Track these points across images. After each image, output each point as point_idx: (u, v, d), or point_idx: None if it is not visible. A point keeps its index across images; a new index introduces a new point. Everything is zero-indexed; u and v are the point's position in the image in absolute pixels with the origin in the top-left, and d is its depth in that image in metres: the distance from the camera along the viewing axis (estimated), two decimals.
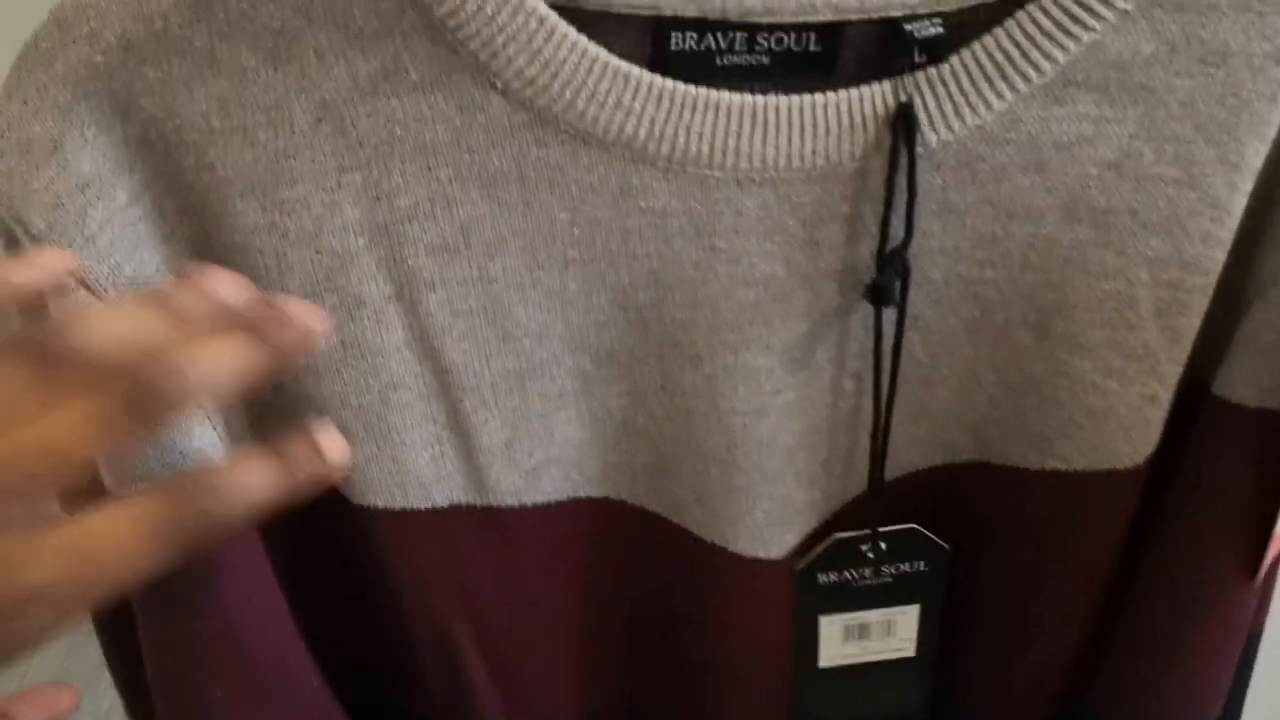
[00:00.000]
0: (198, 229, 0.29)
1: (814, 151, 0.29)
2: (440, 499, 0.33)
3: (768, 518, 0.36)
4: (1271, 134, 0.30)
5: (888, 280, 0.31)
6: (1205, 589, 0.36)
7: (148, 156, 0.28)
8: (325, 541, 0.34)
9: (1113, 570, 0.37)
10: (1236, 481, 0.34)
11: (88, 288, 0.27)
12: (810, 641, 0.39)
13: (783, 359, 0.33)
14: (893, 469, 0.37)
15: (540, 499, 0.35)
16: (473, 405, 0.32)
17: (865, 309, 0.32)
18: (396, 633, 0.35)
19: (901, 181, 0.30)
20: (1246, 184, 0.31)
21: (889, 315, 0.32)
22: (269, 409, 0.32)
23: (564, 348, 0.32)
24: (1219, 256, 0.32)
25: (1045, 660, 0.39)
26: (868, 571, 0.39)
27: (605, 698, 0.41)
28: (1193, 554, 0.36)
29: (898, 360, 0.33)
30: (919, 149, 0.29)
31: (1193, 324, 0.33)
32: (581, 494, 0.36)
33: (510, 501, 0.34)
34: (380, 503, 0.32)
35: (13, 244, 0.27)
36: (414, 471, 0.32)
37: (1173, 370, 0.33)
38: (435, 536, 0.34)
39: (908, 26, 0.28)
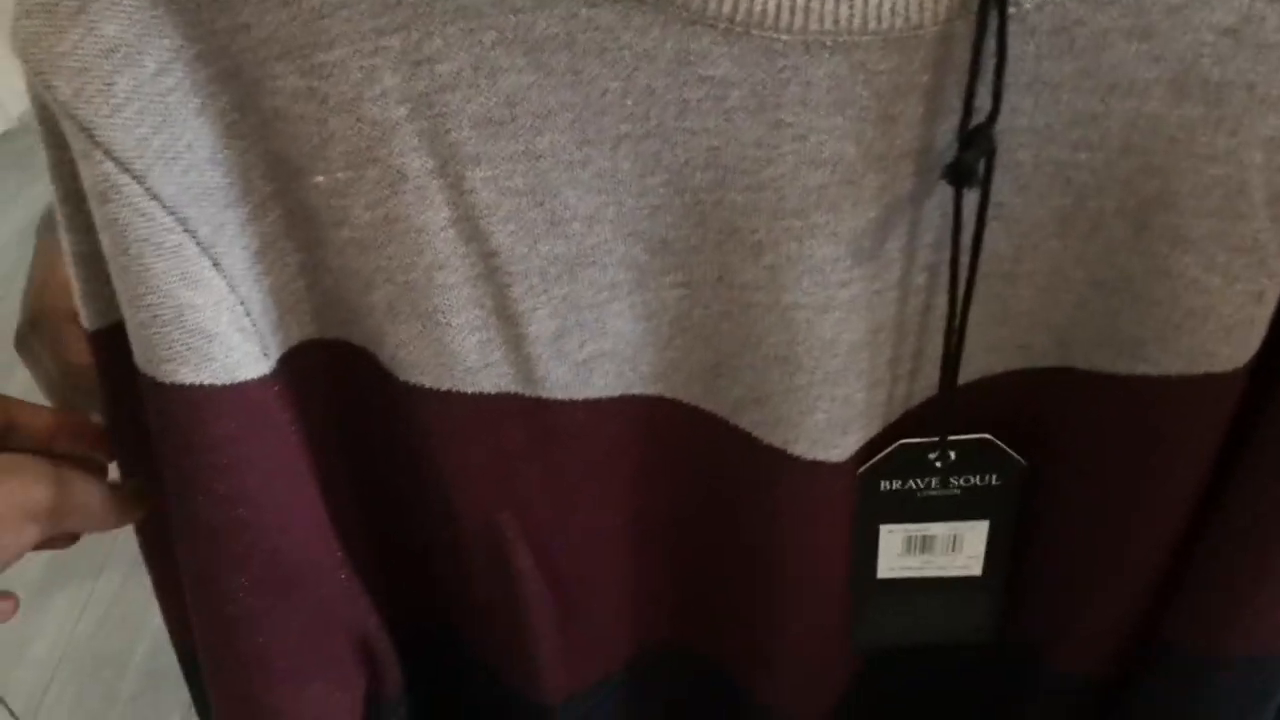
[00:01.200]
0: (232, 99, 0.27)
1: (892, 11, 0.26)
2: (488, 385, 0.32)
3: (829, 419, 0.34)
4: None
5: (971, 159, 0.28)
6: None
7: (178, 21, 0.26)
8: (374, 420, 0.33)
9: (1204, 488, 0.34)
10: None
11: (114, 159, 0.26)
12: (869, 551, 0.38)
13: (851, 248, 0.31)
14: (966, 373, 0.35)
15: (591, 393, 0.33)
16: (520, 292, 0.31)
17: (944, 194, 0.30)
18: (443, 522, 0.35)
19: (990, 47, 0.27)
20: None
21: (970, 201, 0.30)
22: (314, 277, 0.31)
23: (616, 234, 0.30)
24: None
25: (1127, 588, 0.37)
26: (934, 481, 0.37)
27: (655, 601, 0.40)
28: None
29: (978, 251, 0.31)
30: (1011, 9, 0.26)
31: None
32: (635, 391, 0.34)
33: (560, 395, 0.33)
34: (427, 381, 0.31)
35: (47, 107, 0.27)
36: (460, 355, 0.31)
37: None
38: (482, 422, 0.33)
39: None
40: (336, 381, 0.33)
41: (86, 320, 0.32)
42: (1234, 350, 0.31)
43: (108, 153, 0.26)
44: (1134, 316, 0.32)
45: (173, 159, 0.27)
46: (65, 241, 0.30)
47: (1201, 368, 0.32)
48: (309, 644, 0.33)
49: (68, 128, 0.26)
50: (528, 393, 0.33)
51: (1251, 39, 0.27)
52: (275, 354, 0.31)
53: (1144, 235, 0.31)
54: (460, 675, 0.41)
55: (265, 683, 0.33)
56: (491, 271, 0.30)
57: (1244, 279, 0.30)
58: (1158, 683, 0.38)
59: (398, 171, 0.28)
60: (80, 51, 0.25)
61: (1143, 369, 0.33)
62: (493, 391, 0.32)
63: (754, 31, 0.27)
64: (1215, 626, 0.36)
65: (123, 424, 0.33)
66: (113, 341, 0.31)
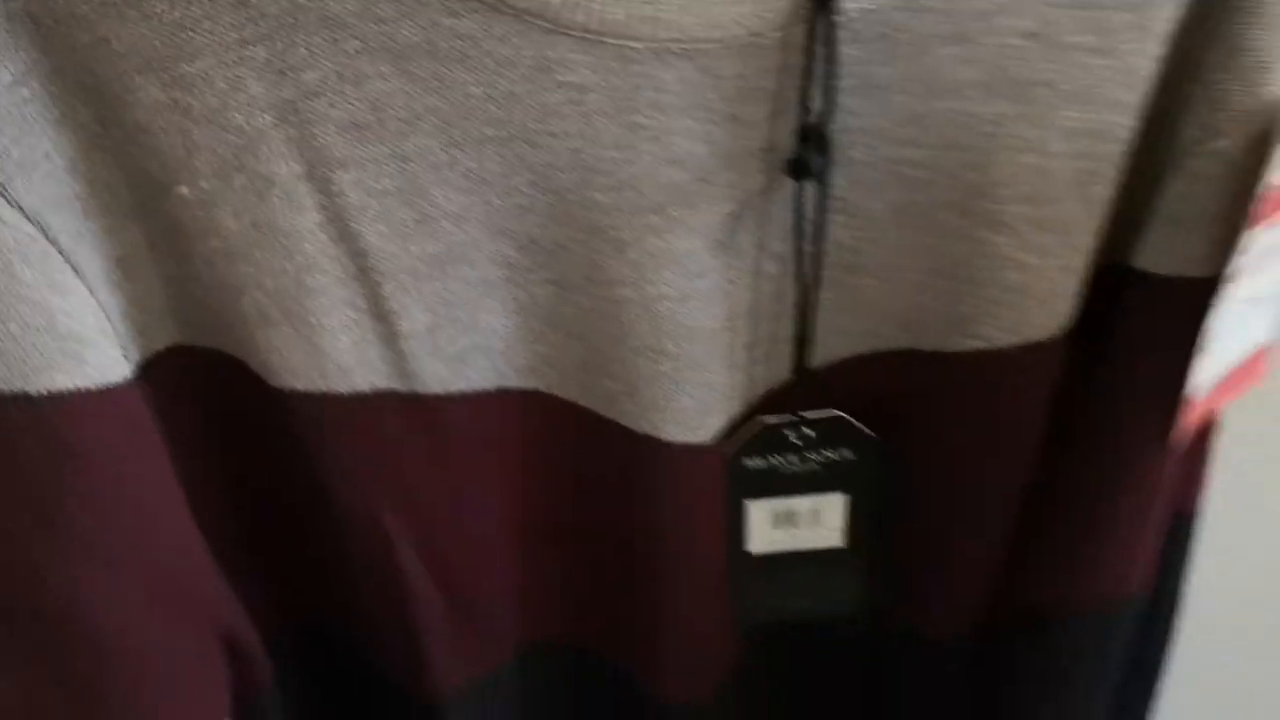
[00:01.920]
0: (95, 112, 0.27)
1: (734, 20, 0.29)
2: (363, 384, 0.33)
3: (695, 403, 0.36)
4: None
5: (808, 155, 0.31)
6: (1124, 457, 0.37)
7: (33, 34, 0.26)
8: (250, 425, 0.33)
9: (1039, 451, 0.38)
10: (1151, 349, 0.35)
11: None
12: (740, 527, 0.40)
13: (706, 241, 0.33)
14: (819, 357, 0.37)
15: (466, 386, 0.34)
16: (392, 290, 0.31)
17: (788, 189, 0.32)
18: (326, 525, 0.35)
19: (821, 52, 0.29)
20: (1159, 50, 0.31)
21: (813, 197, 0.32)
22: (181, 285, 0.31)
23: (485, 232, 0.32)
24: (1131, 124, 0.32)
25: (981, 552, 0.40)
26: (794, 458, 0.39)
27: (540, 597, 0.41)
28: (1112, 423, 0.37)
29: (821, 240, 0.33)
30: (838, 18, 0.29)
31: (1106, 193, 0.33)
32: (509, 384, 0.35)
33: (436, 388, 0.34)
34: (300, 385, 0.32)
35: None
36: (333, 355, 0.32)
37: (1087, 241, 0.34)
38: (359, 422, 0.33)
39: None
40: (208, 388, 0.33)
41: None
42: (1051, 319, 0.35)
43: None
44: (965, 297, 0.35)
45: (31, 168, 0.27)
46: None
47: (1024, 337, 0.35)
48: (169, 641, 0.33)
49: None
50: (403, 388, 0.34)
51: (1049, 41, 0.31)
52: (135, 359, 0.31)
53: (968, 222, 0.34)
54: (348, 675, 0.41)
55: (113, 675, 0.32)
56: (363, 271, 0.31)
57: (1055, 255, 0.34)
58: (1017, 640, 0.42)
59: (265, 178, 0.29)
60: None
61: (975, 344, 0.36)
62: (368, 390, 0.33)
63: (608, 40, 0.28)
64: (1064, 581, 0.40)
65: None
66: None
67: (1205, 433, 0.41)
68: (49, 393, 0.28)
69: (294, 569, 0.38)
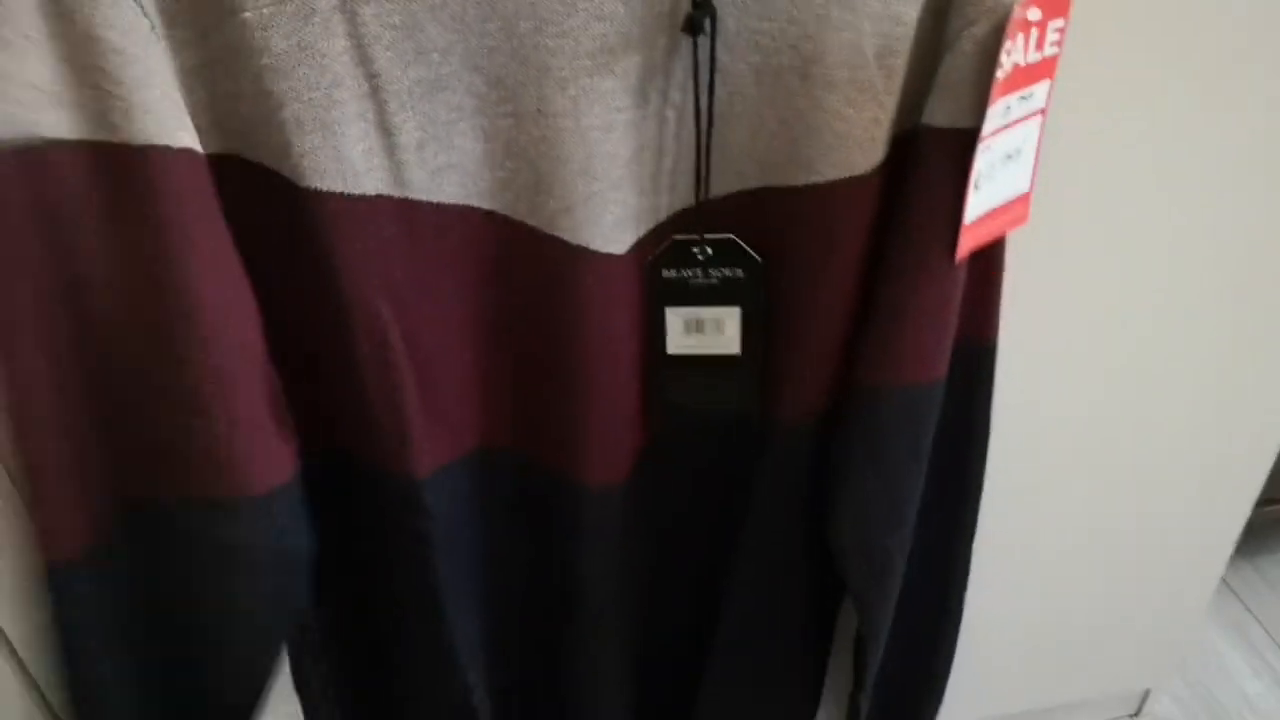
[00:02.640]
0: None
1: None
2: (369, 187, 0.44)
3: (615, 219, 0.48)
4: None
5: (699, 16, 0.43)
6: (921, 267, 0.50)
7: None
8: (277, 227, 0.44)
9: (864, 264, 0.51)
10: (936, 184, 0.49)
11: None
12: (659, 330, 0.52)
13: (624, 83, 0.45)
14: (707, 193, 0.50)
15: (443, 199, 0.46)
16: (394, 107, 0.43)
17: (685, 48, 0.45)
18: (335, 312, 0.45)
19: None
20: None
21: (704, 55, 0.45)
22: (233, 103, 0.41)
23: (463, 66, 0.43)
24: (913, 13, 0.46)
25: (827, 348, 0.53)
26: (699, 272, 0.51)
27: (496, 392, 0.52)
28: (913, 243, 0.50)
29: (712, 90, 0.46)
30: None
31: (899, 64, 0.47)
32: (474, 203, 0.47)
33: (420, 196, 0.45)
34: (323, 185, 0.42)
35: None
36: (350, 160, 0.43)
37: (889, 101, 0.47)
38: (366, 219, 0.44)
39: None
40: (247, 191, 0.43)
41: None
42: (867, 159, 0.48)
43: None
44: (804, 143, 0.48)
45: None
46: None
47: (847, 173, 0.48)
48: (254, 382, 0.43)
49: None
50: (397, 194, 0.44)
51: None
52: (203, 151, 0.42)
53: (806, 83, 0.47)
54: (338, 468, 0.51)
55: (231, 398, 0.42)
56: (374, 90, 0.42)
57: (866, 109, 0.47)
58: (850, 414, 0.54)
59: (308, 7, 0.40)
60: None
61: (813, 179, 0.49)
62: (373, 193, 0.44)
63: None
64: (884, 365, 0.52)
65: None
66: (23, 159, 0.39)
67: (991, 273, 0.54)
68: (156, 145, 0.38)
69: (302, 371, 0.48)
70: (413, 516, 0.50)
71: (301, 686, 0.58)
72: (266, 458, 0.45)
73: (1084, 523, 0.82)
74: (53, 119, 0.38)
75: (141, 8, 0.37)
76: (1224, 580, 1.30)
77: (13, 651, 0.48)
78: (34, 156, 0.37)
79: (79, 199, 0.39)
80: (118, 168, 0.38)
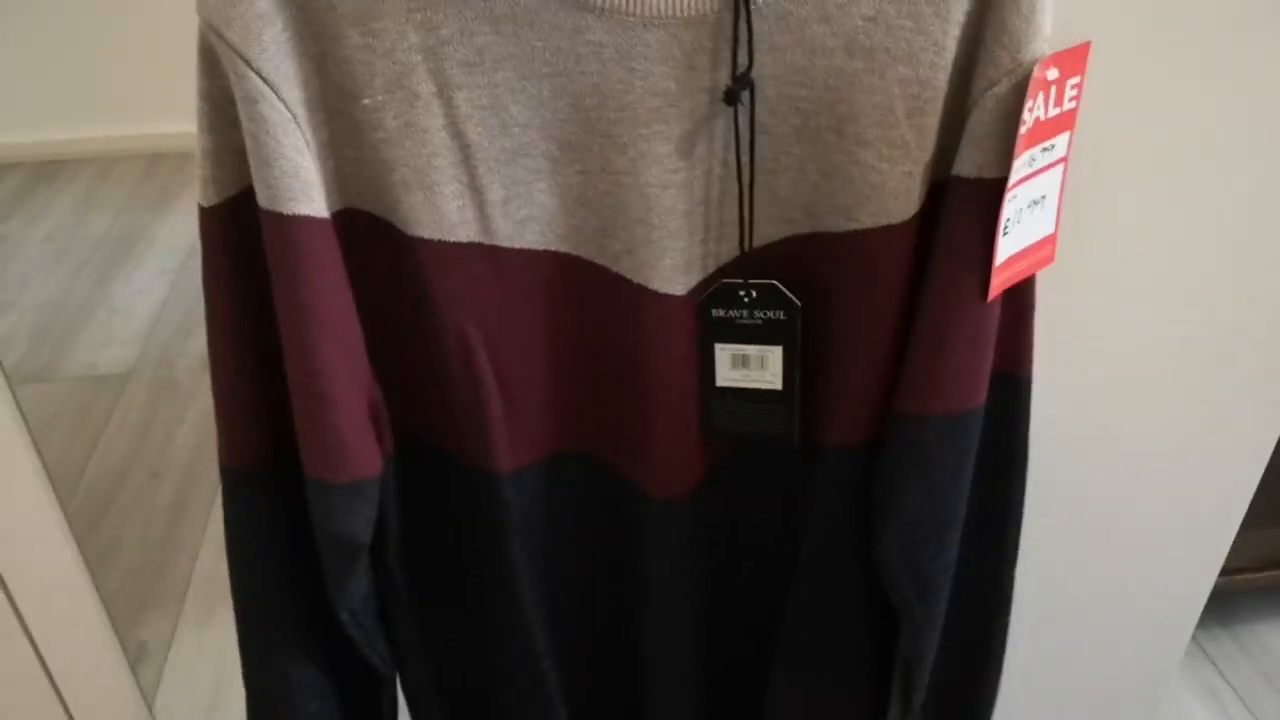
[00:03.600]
0: (319, 48, 0.48)
1: (687, 5, 0.49)
2: (462, 236, 0.52)
3: (673, 264, 0.55)
4: None
5: (737, 89, 0.50)
6: (957, 306, 0.54)
7: (295, 1, 0.47)
8: (388, 265, 0.53)
9: (906, 301, 0.56)
10: (967, 230, 0.54)
11: (261, 77, 0.46)
12: (709, 364, 0.58)
13: (677, 147, 0.52)
14: (755, 239, 0.56)
15: (525, 244, 0.54)
16: (483, 171, 0.51)
17: (728, 114, 0.52)
18: (431, 336, 0.54)
19: (742, 25, 0.49)
20: (955, 30, 0.51)
21: (744, 120, 0.52)
22: (354, 167, 0.51)
23: (540, 136, 0.51)
24: (942, 78, 0.51)
25: (869, 379, 0.58)
26: (744, 313, 0.58)
27: (567, 409, 0.59)
28: (948, 284, 0.54)
29: (753, 150, 0.53)
30: (752, 5, 0.49)
31: (931, 123, 0.52)
32: (553, 247, 0.55)
33: (505, 243, 0.53)
34: (424, 234, 0.51)
35: (213, 49, 0.46)
36: (446, 214, 0.51)
37: (921, 156, 0.53)
38: (458, 262, 0.52)
39: None
40: (365, 237, 0.53)
41: (209, 198, 0.51)
42: (901, 208, 0.54)
43: (258, 73, 0.46)
44: (844, 193, 0.54)
45: (287, 78, 0.47)
46: (201, 141, 0.50)
47: (884, 221, 0.54)
48: (354, 387, 0.52)
49: (228, 59, 0.46)
50: (486, 241, 0.53)
51: (883, 23, 0.50)
52: (331, 210, 0.51)
53: (843, 140, 0.53)
54: (431, 462, 0.59)
55: (330, 407, 0.51)
56: (466, 158, 0.51)
57: (900, 164, 0.53)
58: (893, 439, 0.59)
59: (414, 93, 0.49)
60: (244, 16, 0.45)
61: (854, 226, 0.55)
62: (465, 241, 0.53)
63: (615, 15, 0.49)
64: (922, 395, 0.57)
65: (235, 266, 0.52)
66: (232, 207, 0.50)
67: (1023, 309, 0.59)
68: (294, 214, 0.48)
69: (405, 385, 0.57)
70: (492, 505, 0.59)
71: (392, 641, 0.67)
72: (359, 454, 0.54)
73: (1054, 586, 0.84)
74: (258, 191, 0.49)
75: (285, 103, 0.47)
76: (1199, 645, 1.34)
77: None
78: (260, 216, 0.49)
79: (265, 244, 0.50)
80: (275, 227, 0.48)
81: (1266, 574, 1.21)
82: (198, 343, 2.08)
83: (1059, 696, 0.95)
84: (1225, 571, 1.06)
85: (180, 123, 2.98)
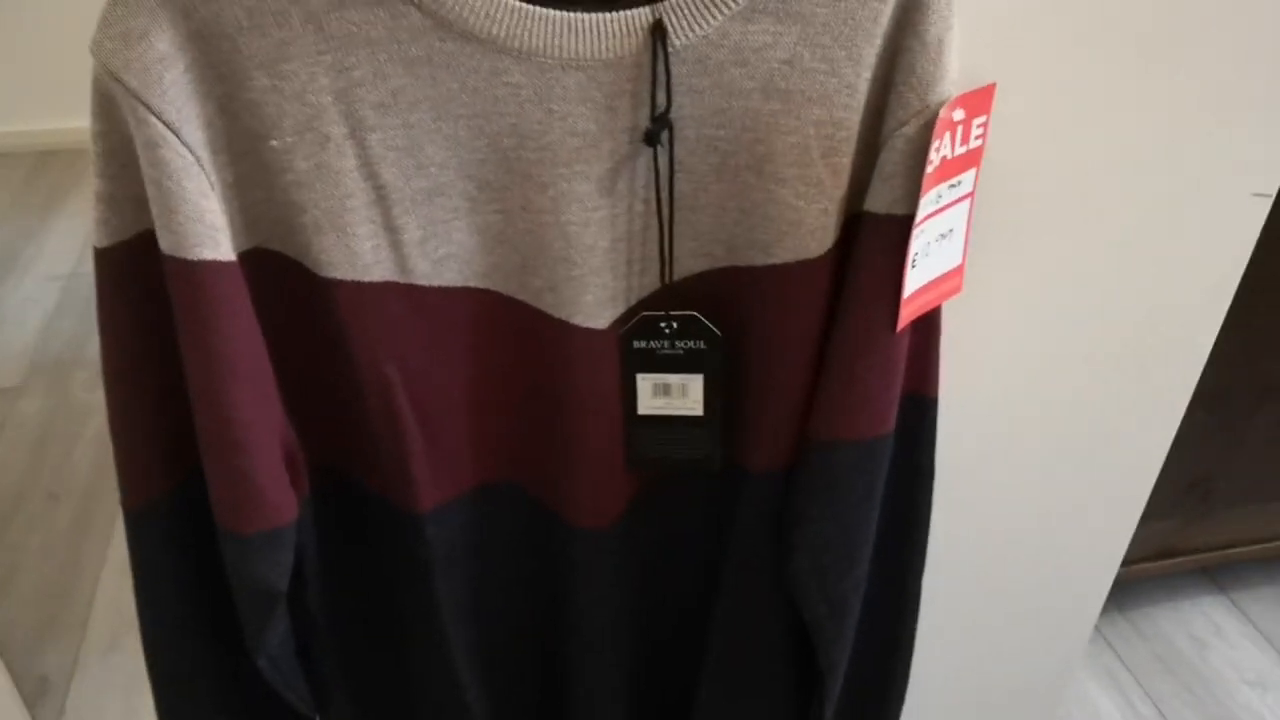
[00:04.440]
0: (225, 90, 0.46)
1: (606, 48, 0.49)
2: (377, 275, 0.51)
3: (595, 299, 0.55)
4: (878, 42, 0.51)
5: (657, 129, 0.50)
6: (867, 336, 0.56)
7: (198, 43, 0.45)
8: (300, 305, 0.51)
9: (820, 332, 0.57)
10: (877, 264, 0.55)
11: (162, 120, 0.44)
12: (631, 393, 0.59)
13: (597, 186, 0.52)
14: (676, 273, 0.57)
15: (444, 282, 0.53)
16: (398, 211, 0.50)
17: (648, 154, 0.52)
18: (347, 375, 0.53)
19: (660, 68, 0.49)
20: (867, 73, 0.52)
21: (664, 159, 0.52)
22: (264, 207, 0.49)
23: (458, 176, 0.51)
24: (855, 119, 0.53)
25: (785, 407, 0.59)
26: (665, 344, 0.58)
27: (489, 443, 0.59)
28: (859, 315, 0.56)
29: (672, 188, 0.53)
30: (670, 48, 0.49)
31: (845, 162, 0.53)
32: (472, 284, 0.54)
33: (423, 282, 0.52)
34: (338, 275, 0.50)
35: (109, 92, 0.44)
36: (360, 255, 0.50)
37: (836, 193, 0.54)
38: (375, 302, 0.51)
39: None
40: (275, 277, 0.51)
41: (102, 240, 0.49)
42: (818, 244, 0.55)
43: (159, 116, 0.44)
44: (762, 228, 0.55)
45: (189, 120, 0.45)
46: (96, 184, 0.47)
47: (801, 255, 0.55)
48: (268, 435, 0.51)
49: (126, 104, 0.44)
50: (403, 280, 0.52)
51: (799, 66, 0.51)
52: (238, 250, 0.50)
53: (760, 179, 0.54)
54: (351, 498, 0.58)
55: (244, 456, 0.50)
56: (381, 198, 0.50)
57: (815, 201, 0.54)
58: (808, 463, 0.60)
59: (325, 135, 0.48)
60: (143, 59, 0.44)
61: (772, 260, 0.56)
62: (381, 280, 0.52)
63: (533, 58, 0.48)
64: (836, 422, 0.58)
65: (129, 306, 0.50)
66: (128, 249, 0.48)
67: (930, 336, 0.60)
68: (198, 260, 0.46)
69: (322, 421, 0.56)
70: (414, 543, 0.58)
71: (313, 680, 0.66)
72: (274, 502, 0.53)
73: (963, 586, 0.89)
74: (161, 238, 0.47)
75: (188, 147, 0.45)
76: (1099, 631, 1.43)
77: None
78: (163, 262, 0.48)
79: (170, 291, 0.48)
80: (180, 273, 0.47)
81: (1159, 563, 1.28)
82: (93, 352, 1.99)
83: (968, 691, 0.98)
84: (1124, 563, 1.12)
85: (68, 118, 2.84)
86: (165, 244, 0.46)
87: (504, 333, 0.56)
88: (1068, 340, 0.76)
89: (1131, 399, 0.81)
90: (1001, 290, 0.71)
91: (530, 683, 0.70)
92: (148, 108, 0.44)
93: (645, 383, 0.59)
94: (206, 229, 0.46)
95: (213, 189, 0.47)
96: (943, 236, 0.57)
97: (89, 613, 1.44)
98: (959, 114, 0.53)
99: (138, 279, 0.50)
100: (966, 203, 0.57)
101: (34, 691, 1.31)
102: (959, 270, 0.59)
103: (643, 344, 0.58)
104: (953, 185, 0.56)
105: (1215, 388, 1.15)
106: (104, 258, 0.49)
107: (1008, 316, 0.73)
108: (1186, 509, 1.24)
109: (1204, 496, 1.23)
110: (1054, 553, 0.91)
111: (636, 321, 0.57)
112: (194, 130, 0.46)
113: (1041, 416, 0.80)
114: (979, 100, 0.54)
